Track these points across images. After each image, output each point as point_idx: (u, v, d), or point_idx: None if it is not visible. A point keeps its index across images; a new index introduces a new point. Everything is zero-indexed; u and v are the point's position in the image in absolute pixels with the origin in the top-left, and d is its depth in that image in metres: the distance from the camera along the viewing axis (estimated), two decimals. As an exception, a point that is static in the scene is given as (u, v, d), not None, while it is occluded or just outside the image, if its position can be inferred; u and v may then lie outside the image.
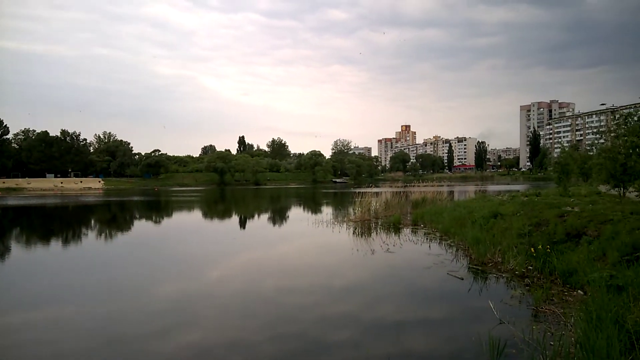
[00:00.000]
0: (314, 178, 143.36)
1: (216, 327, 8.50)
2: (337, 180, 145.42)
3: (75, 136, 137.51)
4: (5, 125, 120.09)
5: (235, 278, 12.90)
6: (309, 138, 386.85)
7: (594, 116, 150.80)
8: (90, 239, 22.37)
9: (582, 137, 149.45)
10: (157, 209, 45.06)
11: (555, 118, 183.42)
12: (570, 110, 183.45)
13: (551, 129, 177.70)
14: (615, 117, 18.58)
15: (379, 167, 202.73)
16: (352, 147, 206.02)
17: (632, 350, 5.71)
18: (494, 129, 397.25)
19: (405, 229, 21.60)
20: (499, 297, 9.69)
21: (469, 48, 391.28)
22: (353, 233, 21.14)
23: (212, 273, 13.71)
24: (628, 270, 8.50)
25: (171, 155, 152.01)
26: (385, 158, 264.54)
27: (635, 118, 17.26)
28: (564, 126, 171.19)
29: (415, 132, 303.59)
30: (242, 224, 30.03)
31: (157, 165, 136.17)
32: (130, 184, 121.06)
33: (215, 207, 46.54)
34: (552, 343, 6.81)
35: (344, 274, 13.17)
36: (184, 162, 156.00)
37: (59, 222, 32.25)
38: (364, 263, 14.38)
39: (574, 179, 28.28)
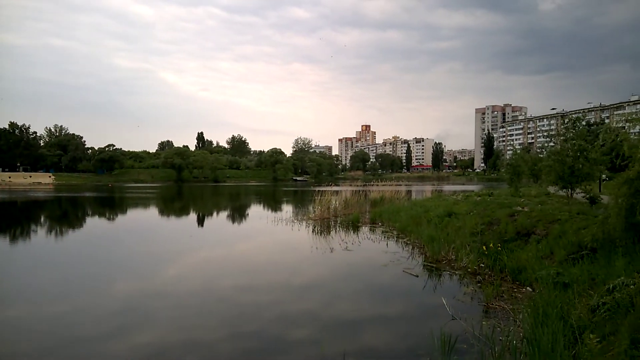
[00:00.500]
0: (275, 176, 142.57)
1: (173, 326, 8.32)
2: (298, 178, 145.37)
3: (24, 129, 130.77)
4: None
5: (192, 276, 12.66)
6: (270, 135, 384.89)
7: (545, 120, 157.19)
8: (41, 236, 21.36)
9: (533, 140, 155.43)
10: (111, 205, 43.60)
11: (508, 121, 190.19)
12: (523, 114, 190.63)
13: (504, 132, 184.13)
14: (564, 121, 19.44)
15: (340, 166, 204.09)
16: (313, 146, 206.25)
17: (575, 344, 5.99)
18: (451, 130, 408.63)
19: (363, 227, 21.86)
20: (452, 293, 9.97)
21: (429, 51, 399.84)
22: (313, 231, 21.20)
23: (168, 271, 13.40)
24: (573, 268, 8.93)
25: (126, 150, 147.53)
26: (345, 157, 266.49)
27: (583, 123, 18.08)
28: (516, 129, 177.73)
29: (375, 132, 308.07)
30: (200, 222, 29.51)
31: (112, 160, 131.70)
32: (82, 179, 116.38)
33: (172, 204, 45.48)
34: (501, 338, 7.07)
35: (303, 272, 13.20)
36: (140, 157, 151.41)
37: (7, 219, 30.59)
38: (323, 261, 14.45)
39: (524, 180, 29.36)
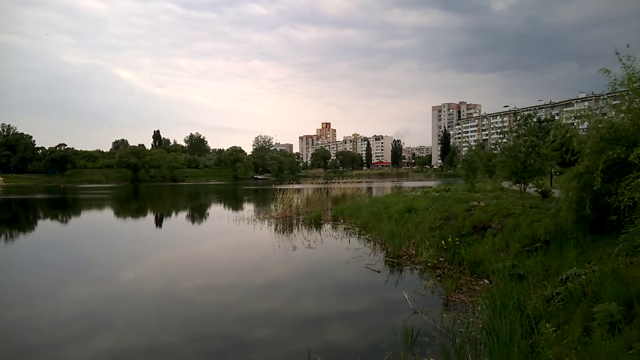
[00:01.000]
0: (235, 174, 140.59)
1: (132, 330, 8.07)
2: (259, 176, 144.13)
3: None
4: None
5: (151, 279, 12.31)
6: (230, 134, 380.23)
7: (498, 117, 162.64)
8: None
9: (487, 137, 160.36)
10: (65, 207, 41.85)
11: (463, 118, 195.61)
12: (477, 111, 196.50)
13: (460, 129, 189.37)
14: (516, 118, 20.12)
15: (301, 164, 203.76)
16: (274, 144, 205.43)
17: (532, 333, 6.20)
18: (409, 128, 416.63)
19: (326, 225, 21.92)
20: (413, 288, 10.14)
21: (386, 49, 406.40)
22: (275, 230, 21.07)
23: (126, 274, 12.97)
24: (528, 260, 9.26)
25: (79, 149, 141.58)
26: (306, 155, 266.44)
27: (535, 119, 18.76)
28: (471, 126, 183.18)
29: (335, 130, 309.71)
30: (159, 223, 28.73)
31: (64, 160, 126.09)
32: (33, 180, 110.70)
33: (129, 205, 44.09)
34: (461, 330, 7.24)
35: (266, 271, 13.09)
36: (93, 157, 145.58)
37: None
38: (286, 259, 14.38)
39: (480, 176, 30.26)
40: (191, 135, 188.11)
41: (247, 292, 10.76)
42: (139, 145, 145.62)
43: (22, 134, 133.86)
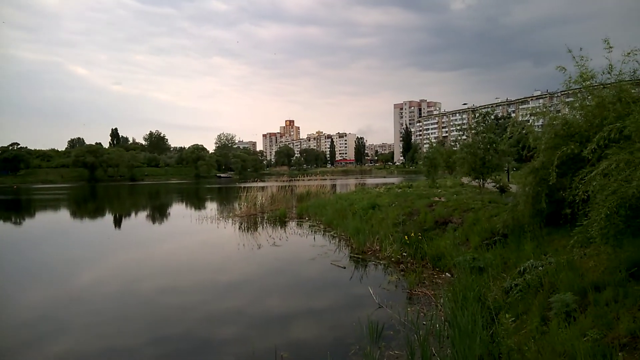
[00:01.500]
0: (197, 173, 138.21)
1: (90, 333, 7.80)
2: (222, 175, 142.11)
3: None
4: None
5: (110, 280, 11.91)
6: (192, 131, 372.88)
7: (457, 114, 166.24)
8: None
9: (447, 134, 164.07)
10: (17, 209, 39.99)
11: (424, 116, 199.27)
12: (437, 109, 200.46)
13: (421, 126, 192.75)
14: (475, 115, 20.63)
15: (265, 162, 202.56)
16: (237, 142, 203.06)
17: (492, 324, 6.39)
18: (372, 125, 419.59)
19: (291, 222, 21.87)
20: (377, 283, 10.27)
21: (348, 47, 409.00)
22: (239, 228, 20.86)
23: (84, 276, 12.52)
24: (488, 253, 9.55)
25: (33, 149, 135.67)
26: (270, 152, 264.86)
27: (492, 117, 19.28)
28: (431, 123, 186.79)
29: (299, 127, 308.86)
30: (117, 223, 27.87)
31: (16, 160, 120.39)
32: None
33: (86, 206, 42.55)
34: (425, 323, 7.40)
35: (230, 270, 12.94)
36: (48, 156, 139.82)
37: None
38: (251, 258, 14.26)
39: (440, 172, 30.85)
40: (151, 133, 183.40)
41: (212, 291, 10.61)
42: (96, 143, 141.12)
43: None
